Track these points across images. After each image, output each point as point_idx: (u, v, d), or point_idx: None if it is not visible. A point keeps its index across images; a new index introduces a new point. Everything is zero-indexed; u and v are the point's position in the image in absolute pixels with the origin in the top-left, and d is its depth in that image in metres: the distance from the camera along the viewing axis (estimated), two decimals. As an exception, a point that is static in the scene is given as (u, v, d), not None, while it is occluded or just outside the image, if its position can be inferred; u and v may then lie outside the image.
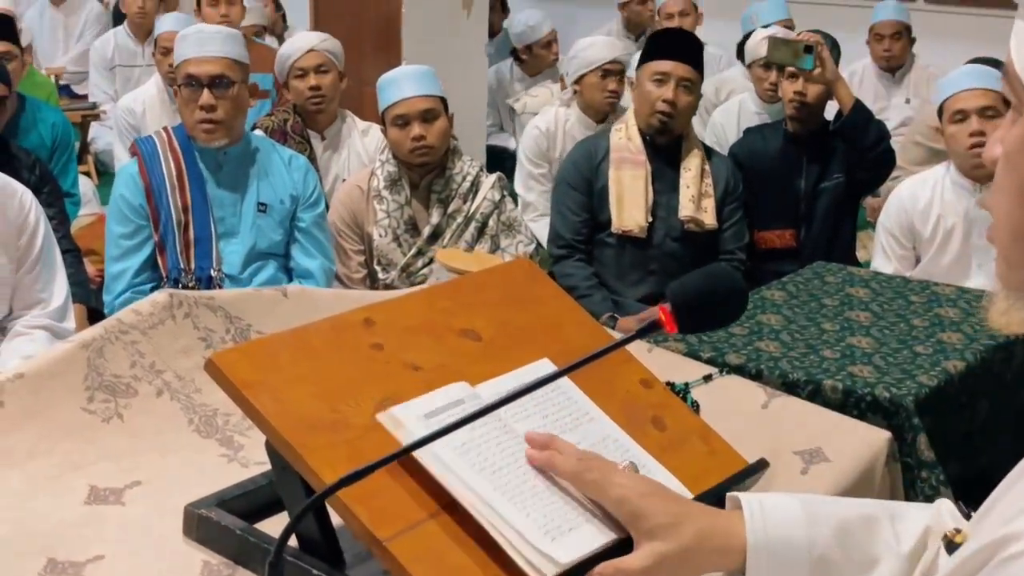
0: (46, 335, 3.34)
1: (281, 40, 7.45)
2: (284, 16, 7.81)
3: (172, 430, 1.58)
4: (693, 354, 2.26)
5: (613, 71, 4.81)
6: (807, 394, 2.27)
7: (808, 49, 4.08)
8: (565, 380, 1.31)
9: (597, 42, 4.85)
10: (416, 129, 3.75)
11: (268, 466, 1.33)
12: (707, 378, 2.00)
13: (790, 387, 2.27)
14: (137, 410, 1.57)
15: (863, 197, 4.73)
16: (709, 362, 2.27)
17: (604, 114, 4.83)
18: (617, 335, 1.56)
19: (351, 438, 1.23)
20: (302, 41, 4.52)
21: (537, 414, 1.27)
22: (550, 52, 6.45)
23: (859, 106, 4.16)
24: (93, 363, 1.54)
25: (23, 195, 3.35)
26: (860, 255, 4.55)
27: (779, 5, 5.96)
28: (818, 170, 4.27)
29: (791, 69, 4.23)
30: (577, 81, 4.79)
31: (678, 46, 3.95)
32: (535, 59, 6.46)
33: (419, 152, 3.78)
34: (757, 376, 2.29)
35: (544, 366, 1.34)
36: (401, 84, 3.81)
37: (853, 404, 2.31)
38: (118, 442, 1.53)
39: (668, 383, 1.73)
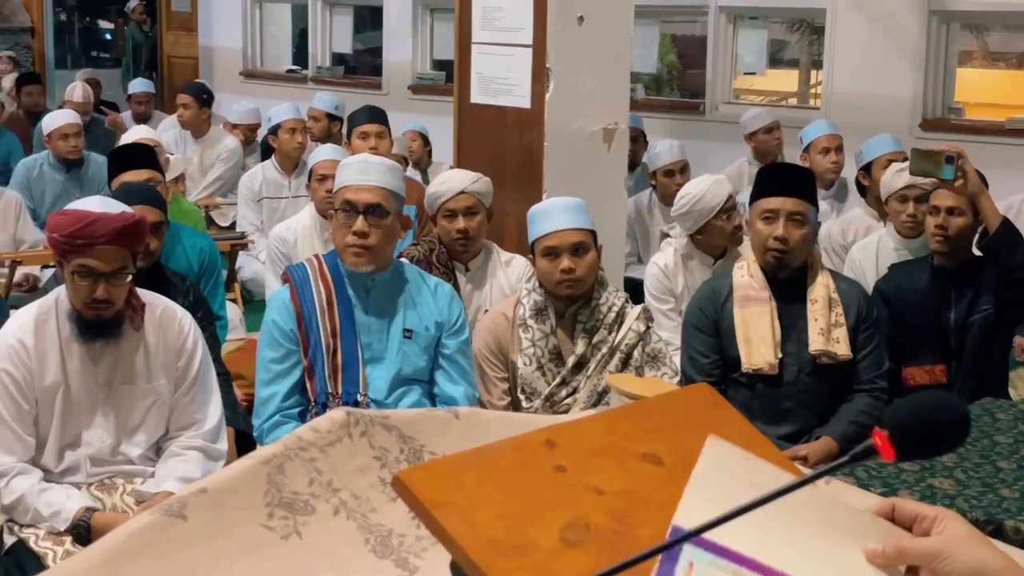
0: (200, 456, 3.40)
1: (425, 174, 7.63)
2: (430, 152, 7.99)
3: (349, 549, 1.57)
4: (864, 489, 2.19)
5: (732, 207, 4.77)
6: (988, 534, 2.17)
7: (949, 160, 4.01)
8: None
9: (707, 189, 4.77)
10: (565, 261, 3.76)
11: (445, 589, 1.31)
12: (887, 513, 1.93)
13: (968, 526, 2.17)
14: (315, 528, 1.56)
15: (1015, 328, 4.59)
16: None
17: (725, 247, 4.80)
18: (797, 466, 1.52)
19: (540, 561, 1.20)
20: (453, 182, 4.54)
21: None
22: (672, 182, 6.47)
23: (1006, 223, 4.06)
24: (273, 479, 1.55)
25: (182, 319, 3.46)
26: (1012, 394, 4.40)
27: (887, 140, 5.90)
28: (968, 302, 4.17)
29: (935, 204, 4.17)
30: (700, 231, 4.76)
31: (785, 181, 3.91)
32: (661, 187, 6.50)
33: (567, 284, 3.78)
34: (932, 514, 2.20)
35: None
36: (553, 216, 3.83)
37: (1037, 547, 2.20)
38: (296, 560, 1.52)
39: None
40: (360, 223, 3.54)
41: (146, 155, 4.84)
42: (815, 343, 3.80)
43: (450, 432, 1.72)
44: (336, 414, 1.71)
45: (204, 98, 8.14)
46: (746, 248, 4.05)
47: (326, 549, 1.57)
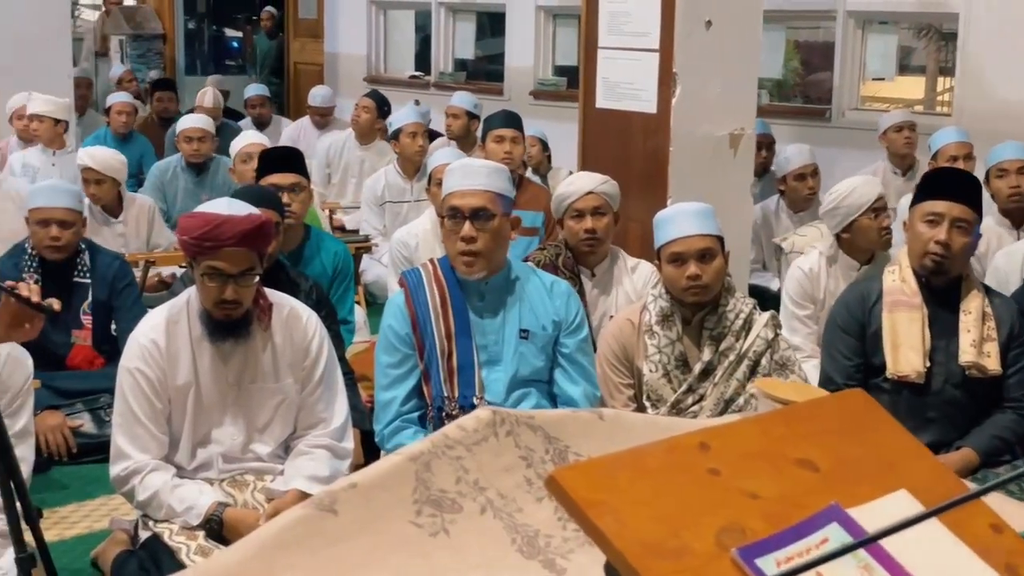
0: (327, 454, 3.44)
1: (545, 179, 7.63)
2: (549, 157, 7.98)
3: (496, 549, 1.56)
4: (1020, 501, 2.12)
5: (882, 208, 4.68)
6: None
7: None
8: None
9: (857, 185, 4.71)
10: (692, 268, 3.71)
11: (593, 591, 1.29)
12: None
13: None
14: (462, 526, 1.56)
15: None
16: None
17: (871, 253, 4.70)
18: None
19: (695, 566, 1.18)
20: (582, 182, 4.53)
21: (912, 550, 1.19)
22: (803, 185, 6.37)
23: None
24: (421, 477, 1.55)
25: (308, 319, 3.50)
26: None
27: (1007, 147, 5.73)
28: (1108, 315, 4.02)
29: None
30: (846, 229, 4.67)
31: (954, 185, 3.80)
32: (791, 191, 6.40)
33: (693, 291, 3.73)
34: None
35: (903, 499, 1.27)
36: (679, 222, 3.78)
37: None
38: (445, 558, 1.52)
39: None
40: (467, 228, 3.53)
41: (295, 159, 4.91)
42: (966, 355, 3.71)
43: (594, 433, 1.71)
44: (482, 413, 1.71)
45: (384, 110, 8.24)
46: (900, 252, 3.96)
47: (473, 548, 1.56)
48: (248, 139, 6.55)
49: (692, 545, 1.21)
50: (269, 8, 13.55)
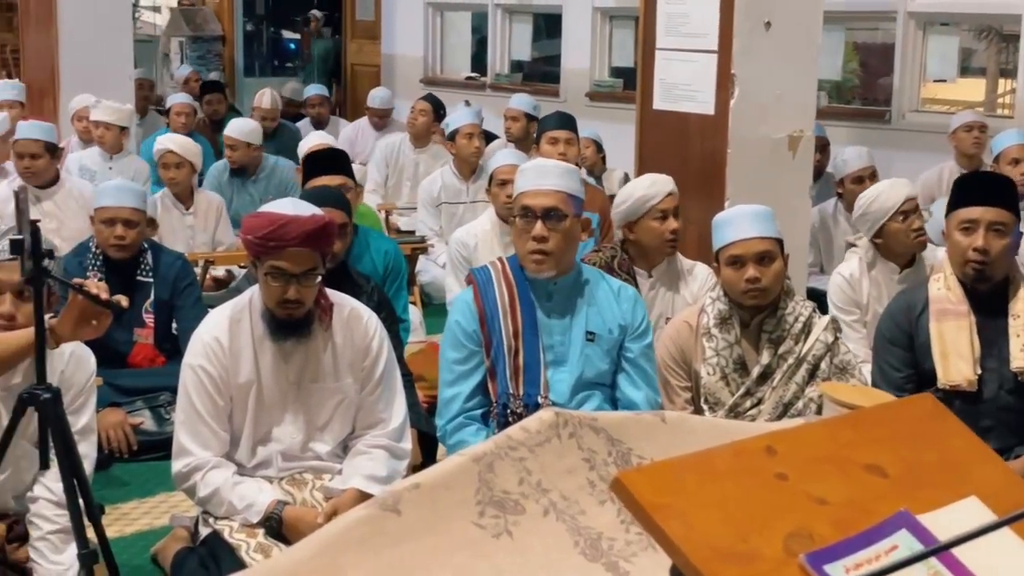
0: (385, 454, 3.45)
1: (599, 180, 7.61)
2: (604, 158, 7.97)
3: (559, 551, 1.56)
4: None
5: (911, 210, 4.63)
6: None
7: None
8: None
9: (883, 190, 4.68)
10: (751, 271, 3.68)
11: (657, 595, 1.29)
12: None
13: None
14: (525, 528, 1.56)
15: None
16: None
17: (910, 257, 4.66)
18: None
19: (763, 571, 1.17)
20: (663, 184, 4.44)
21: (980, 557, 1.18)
22: (861, 188, 6.30)
23: None
24: (484, 477, 1.55)
25: (369, 319, 3.52)
26: None
27: None
28: None
29: None
30: (878, 234, 4.63)
31: (984, 189, 3.75)
32: (849, 194, 6.35)
33: (752, 294, 3.71)
34: None
35: (973, 506, 1.25)
36: (738, 224, 3.76)
37: None
38: (508, 560, 1.52)
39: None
40: (539, 228, 3.54)
41: (340, 160, 4.93)
42: (1017, 360, 3.66)
43: (657, 436, 1.70)
44: (545, 414, 1.71)
45: (440, 113, 8.28)
46: (943, 259, 3.91)
47: (536, 550, 1.56)
48: (314, 140, 6.65)
49: (760, 550, 1.20)
50: (314, 11, 13.65)
